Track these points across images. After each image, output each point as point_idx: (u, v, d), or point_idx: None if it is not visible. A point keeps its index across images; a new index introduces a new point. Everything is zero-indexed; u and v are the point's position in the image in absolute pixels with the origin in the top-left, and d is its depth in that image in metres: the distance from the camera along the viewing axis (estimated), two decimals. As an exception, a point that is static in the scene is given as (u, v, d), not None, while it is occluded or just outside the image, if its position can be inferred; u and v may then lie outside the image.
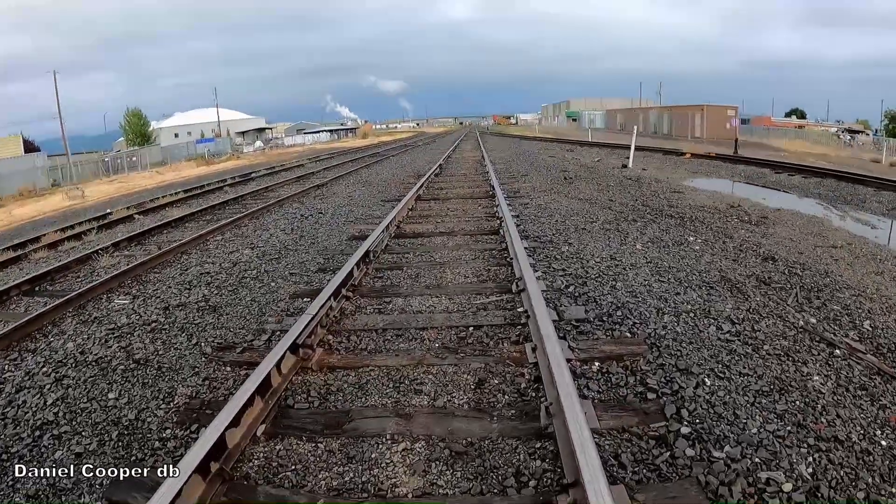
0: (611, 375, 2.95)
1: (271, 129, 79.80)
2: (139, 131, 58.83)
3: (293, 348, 3.16)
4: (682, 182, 12.58)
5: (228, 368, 3.34)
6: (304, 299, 4.43)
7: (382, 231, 6.15)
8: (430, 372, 3.11)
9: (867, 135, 45.15)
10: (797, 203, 9.97)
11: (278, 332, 3.73)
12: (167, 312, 4.44)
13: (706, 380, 2.86)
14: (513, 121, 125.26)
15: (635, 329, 3.50)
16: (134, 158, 37.38)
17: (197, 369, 3.36)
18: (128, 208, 11.70)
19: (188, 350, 3.69)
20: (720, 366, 3.01)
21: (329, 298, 3.90)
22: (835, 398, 2.72)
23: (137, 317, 4.38)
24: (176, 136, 66.63)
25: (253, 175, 19.22)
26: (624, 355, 3.12)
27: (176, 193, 14.03)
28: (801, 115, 79.24)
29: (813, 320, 3.70)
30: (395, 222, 7.00)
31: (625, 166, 15.36)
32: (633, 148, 16.08)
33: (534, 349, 3.17)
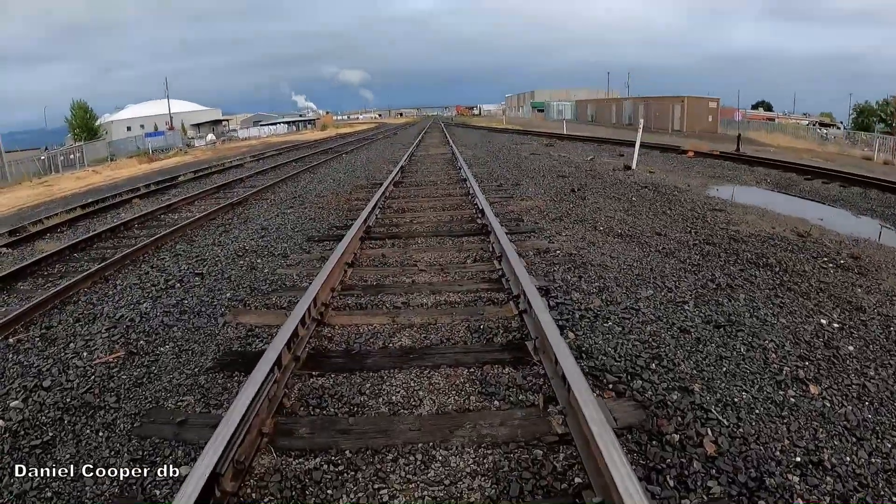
0: None
1: (227, 120, 74.62)
2: (85, 125, 54.13)
3: None
4: (708, 192, 10.08)
5: None
6: None
7: (283, 348, 2.99)
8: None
9: (838, 128, 44.71)
10: (861, 226, 8.03)
11: None
12: None
13: None
14: (476, 111, 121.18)
15: None
16: (72, 156, 33.01)
17: None
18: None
19: None
20: None
21: None
22: None
23: None
24: (128, 129, 61.78)
25: (181, 178, 15.94)
26: None
27: (73, 209, 10.70)
28: (768, 108, 78.92)
29: None
30: (315, 309, 3.80)
31: (628, 167, 12.79)
32: (637, 147, 13.49)
33: None
